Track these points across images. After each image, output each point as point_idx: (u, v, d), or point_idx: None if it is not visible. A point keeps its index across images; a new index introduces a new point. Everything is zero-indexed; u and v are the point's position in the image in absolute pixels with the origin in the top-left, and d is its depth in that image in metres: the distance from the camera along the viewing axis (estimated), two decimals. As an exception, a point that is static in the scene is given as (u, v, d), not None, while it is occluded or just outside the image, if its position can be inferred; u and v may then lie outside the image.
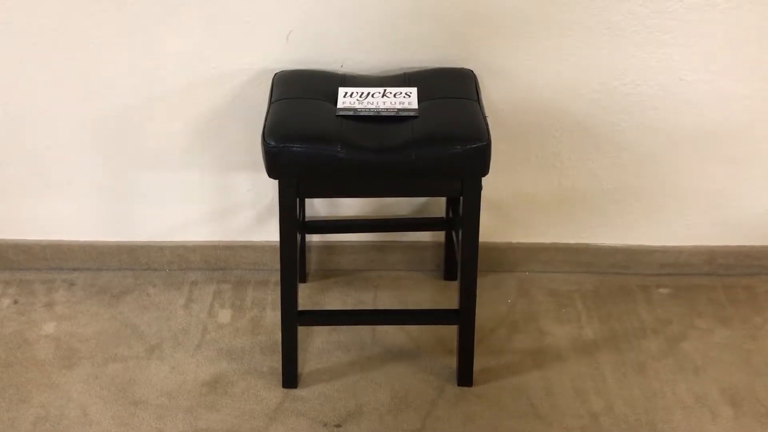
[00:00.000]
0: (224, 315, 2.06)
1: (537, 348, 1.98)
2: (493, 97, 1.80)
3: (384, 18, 1.75)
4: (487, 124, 1.56)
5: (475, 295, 1.73)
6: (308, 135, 1.52)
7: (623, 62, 1.82)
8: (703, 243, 2.11)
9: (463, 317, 1.75)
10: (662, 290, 2.15)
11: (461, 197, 1.59)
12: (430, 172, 1.53)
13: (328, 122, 1.54)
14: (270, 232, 2.09)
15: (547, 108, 1.87)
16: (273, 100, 1.62)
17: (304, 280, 2.12)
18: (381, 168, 1.51)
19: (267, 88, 1.83)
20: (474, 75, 1.73)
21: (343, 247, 2.13)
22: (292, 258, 1.62)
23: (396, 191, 1.59)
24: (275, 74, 1.74)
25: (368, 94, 1.62)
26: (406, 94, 1.62)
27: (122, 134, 1.93)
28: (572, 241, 2.12)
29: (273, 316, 2.04)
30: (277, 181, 1.55)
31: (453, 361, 1.92)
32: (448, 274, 2.13)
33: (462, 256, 1.66)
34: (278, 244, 2.09)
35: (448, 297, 2.10)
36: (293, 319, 1.73)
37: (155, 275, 2.16)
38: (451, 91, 1.64)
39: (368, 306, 2.07)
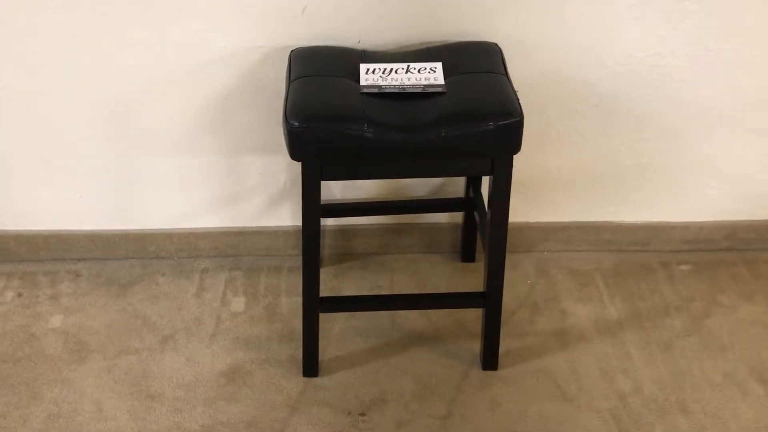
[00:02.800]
0: (238, 303, 1.97)
1: (560, 329, 1.91)
2: (514, 71, 1.72)
3: (401, -9, 1.67)
4: (518, 99, 1.48)
5: (502, 278, 1.65)
6: (333, 114, 1.43)
7: (649, 33, 1.74)
8: (724, 218, 2.05)
9: (490, 300, 1.68)
10: (683, 267, 2.09)
11: (491, 176, 1.51)
12: (460, 151, 1.44)
13: (352, 100, 1.45)
14: (282, 217, 2.01)
15: (570, 82, 1.79)
16: (292, 78, 1.53)
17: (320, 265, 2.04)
18: (409, 147, 1.42)
19: (280, 66, 1.74)
20: (499, 49, 1.64)
21: (357, 230, 2.05)
22: (315, 243, 1.54)
23: (424, 172, 1.51)
24: (291, 51, 1.64)
25: (391, 70, 1.53)
26: (431, 69, 1.53)
27: (126, 118, 1.83)
28: (592, 219, 2.05)
29: (288, 303, 1.96)
30: (293, 163, 1.46)
31: (475, 345, 1.86)
32: (466, 256, 2.06)
33: (490, 236, 1.58)
34: (290, 229, 2.03)
35: (466, 279, 2.03)
36: (315, 305, 1.65)
37: (164, 264, 2.07)
38: (477, 66, 1.55)
39: (385, 290, 2.00)
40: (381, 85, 1.49)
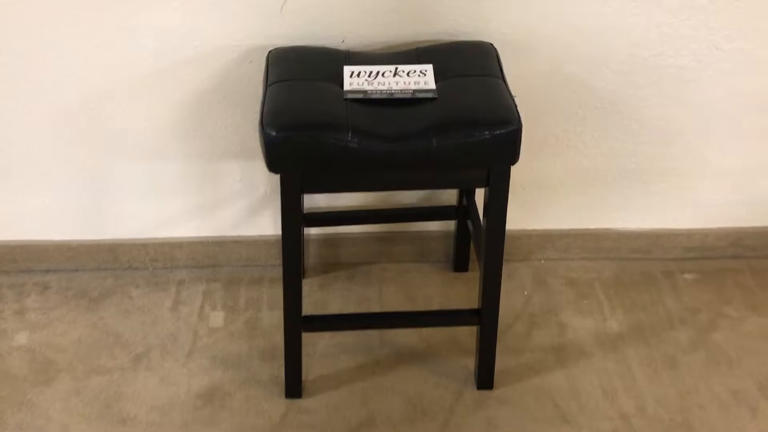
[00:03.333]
0: (216, 318, 1.85)
1: (559, 344, 1.81)
2: (510, 72, 1.59)
3: (389, -14, 1.54)
4: (516, 105, 1.36)
5: (498, 295, 1.54)
6: (314, 122, 1.30)
7: (654, 31, 1.62)
8: (730, 224, 1.94)
9: (485, 318, 1.57)
10: (687, 276, 1.98)
11: (486, 188, 1.39)
12: (453, 162, 1.33)
13: (335, 107, 1.33)
14: (263, 226, 1.89)
15: (570, 83, 1.67)
16: (270, 82, 1.40)
17: (302, 275, 1.92)
18: (398, 158, 1.31)
19: (258, 67, 1.61)
20: (495, 49, 1.52)
21: (343, 238, 1.93)
22: (296, 261, 1.42)
23: (413, 184, 1.39)
24: (270, 52, 1.51)
25: (378, 73, 1.40)
26: (420, 72, 1.41)
27: (93, 122, 1.70)
28: (592, 227, 1.94)
29: (270, 318, 1.84)
30: (275, 174, 1.34)
31: (469, 362, 1.75)
32: (459, 265, 1.94)
33: (486, 252, 1.47)
34: (272, 238, 1.91)
35: (460, 290, 1.92)
36: (297, 325, 1.53)
37: (138, 275, 1.95)
38: (471, 68, 1.43)
39: (374, 303, 1.88)
40: (366, 90, 1.36)
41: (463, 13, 1.57)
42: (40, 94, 1.66)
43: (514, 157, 1.34)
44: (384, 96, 1.35)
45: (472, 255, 1.94)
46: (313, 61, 1.45)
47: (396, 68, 1.41)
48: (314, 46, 1.53)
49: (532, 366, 1.75)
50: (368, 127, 1.31)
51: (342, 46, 1.58)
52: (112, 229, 1.87)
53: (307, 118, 1.31)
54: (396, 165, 1.32)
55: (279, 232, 1.89)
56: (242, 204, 1.85)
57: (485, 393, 1.69)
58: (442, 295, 1.91)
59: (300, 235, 1.40)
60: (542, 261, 2.00)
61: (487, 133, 1.30)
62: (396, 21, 1.57)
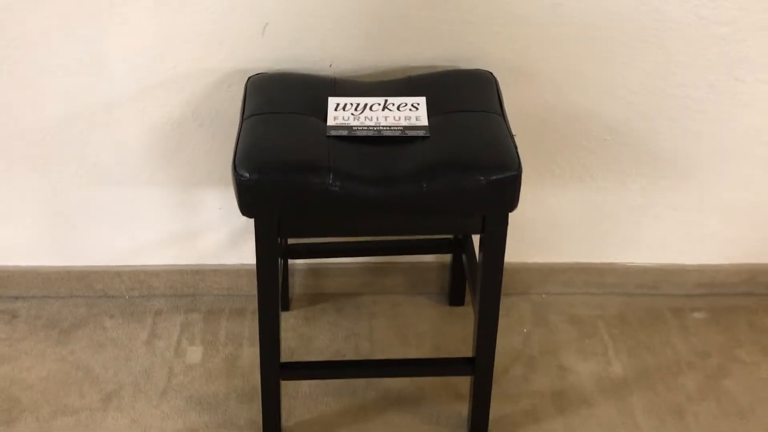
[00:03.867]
0: (194, 353, 1.73)
1: (559, 389, 1.68)
2: (511, 99, 1.46)
3: (382, 5, 1.40)
4: (516, 147, 1.23)
5: (494, 343, 1.42)
6: (291, 163, 1.17)
7: (670, 60, 1.48)
8: (743, 260, 1.81)
9: (480, 368, 1.44)
10: (696, 314, 1.85)
11: (481, 235, 1.27)
12: (444, 208, 1.20)
13: (316, 145, 1.20)
14: (245, 255, 1.76)
15: (577, 113, 1.54)
16: (246, 115, 1.27)
17: (286, 307, 1.80)
18: (384, 203, 1.18)
19: (238, 91, 1.48)
20: (494, 79, 1.38)
21: (331, 268, 1.80)
22: (273, 308, 1.30)
23: (401, 230, 1.26)
24: (249, 79, 1.38)
25: (365, 106, 1.28)
26: (412, 106, 1.28)
27: (62, 146, 1.57)
28: (596, 261, 1.81)
29: (251, 355, 1.72)
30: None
31: (462, 408, 1.62)
32: (455, 299, 1.82)
33: (481, 299, 1.34)
34: (253, 268, 1.78)
35: (455, 327, 1.79)
36: (275, 374, 1.41)
37: (112, 303, 1.82)
38: (468, 102, 1.30)
39: (363, 339, 1.76)
40: (352, 126, 1.24)
41: (460, 37, 1.43)
42: (3, 118, 1.54)
43: (512, 204, 1.21)
44: (371, 133, 1.22)
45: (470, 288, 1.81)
46: (295, 90, 1.32)
47: (385, 101, 1.28)
48: (298, 73, 1.39)
49: (529, 413, 1.63)
50: (352, 168, 1.18)
51: (329, 71, 1.45)
52: (84, 255, 1.75)
53: (284, 157, 1.18)
54: (382, 210, 1.19)
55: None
56: (223, 232, 1.72)
57: (478, 442, 1.57)
58: (436, 331, 1.79)
59: (276, 281, 1.27)
60: (543, 295, 1.88)
61: (482, 178, 1.17)
62: (388, 44, 1.43)
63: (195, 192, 1.64)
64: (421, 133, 1.23)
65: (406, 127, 1.24)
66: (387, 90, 1.34)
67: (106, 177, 1.62)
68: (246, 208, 1.19)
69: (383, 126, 1.24)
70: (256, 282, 1.79)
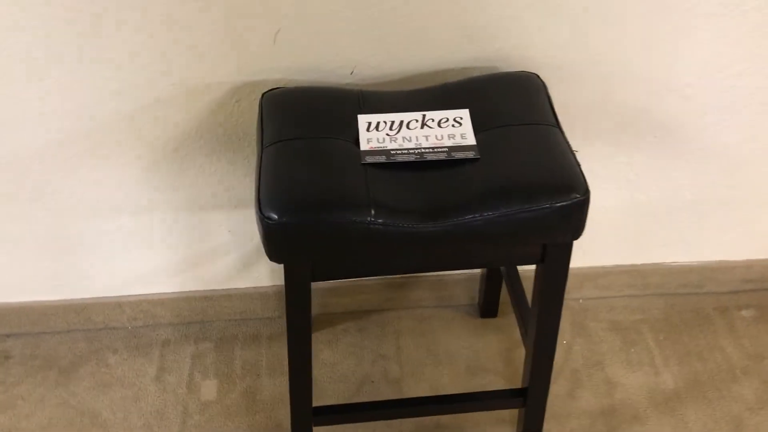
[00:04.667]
0: (209, 388, 1.57)
1: (608, 406, 1.54)
2: (552, 99, 1.30)
3: (406, 1, 1.22)
4: (579, 165, 1.07)
5: (549, 379, 1.27)
6: (326, 200, 1.00)
7: (731, 48, 1.32)
8: (794, 254, 1.68)
9: (532, 401, 1.30)
10: (745, 312, 1.72)
11: (539, 265, 1.11)
12: (501, 240, 1.04)
13: (350, 175, 1.03)
14: (258, 278, 1.59)
15: (625, 109, 1.38)
16: (266, 143, 1.09)
17: (305, 330, 1.65)
18: (432, 238, 1.02)
19: (248, 106, 1.30)
20: (542, 83, 1.21)
21: (351, 284, 1.64)
22: (305, 358, 1.13)
23: (448, 265, 1.10)
24: (263, 96, 1.20)
25: (402, 123, 1.10)
26: (455, 121, 1.11)
27: (51, 175, 1.38)
28: (638, 262, 1.66)
29: (272, 386, 1.56)
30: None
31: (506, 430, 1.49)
32: (487, 311, 1.66)
33: (538, 333, 1.19)
34: (269, 290, 1.62)
35: (488, 342, 1.64)
36: (307, 420, 1.25)
37: (115, 336, 1.65)
38: (517, 112, 1.13)
39: (391, 361, 1.60)
40: (390, 150, 1.06)
41: (498, 33, 1.25)
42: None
43: (577, 232, 1.05)
44: (412, 158, 1.05)
45: (503, 298, 1.66)
46: (319, 108, 1.14)
47: (423, 117, 1.11)
48: (318, 86, 1.21)
49: (578, 436, 1.49)
50: (394, 200, 1.01)
51: (351, 81, 1.26)
52: (82, 288, 1.57)
53: (317, 193, 1.01)
54: (429, 245, 1.03)
55: (276, 282, 1.61)
56: (233, 256, 1.55)
57: (527, 473, 1.44)
58: (469, 348, 1.63)
59: (309, 333, 1.11)
60: (580, 301, 1.73)
61: (546, 205, 1.01)
62: (415, 45, 1.25)
63: (201, 216, 1.46)
64: (470, 154, 1.06)
65: (451, 148, 1.07)
66: (421, 101, 1.16)
67: (101, 206, 1.43)
68: (275, 254, 1.02)
69: (425, 148, 1.07)
70: (269, 305, 1.64)
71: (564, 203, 1.02)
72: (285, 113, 1.13)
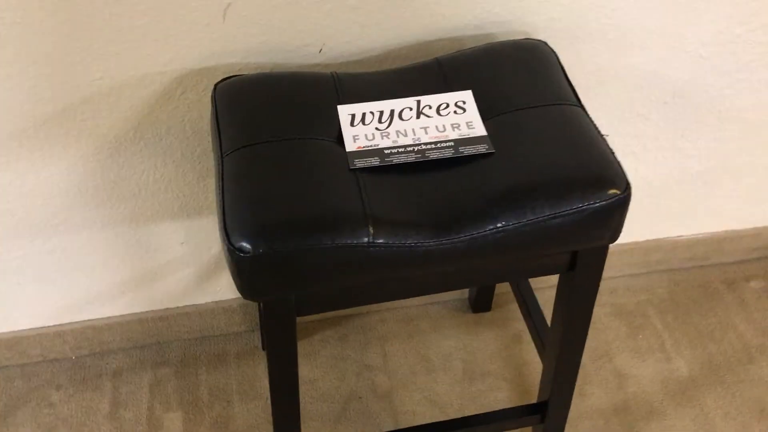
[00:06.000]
0: (172, 422, 1.35)
1: (621, 402, 1.38)
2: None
3: (378, -40, 0.99)
4: (614, 154, 0.87)
5: (572, 391, 1.09)
6: (311, 220, 0.79)
7: (750, 2, 1.13)
8: (803, 217, 1.53)
9: (553, 416, 1.12)
10: (753, 284, 1.57)
11: (568, 274, 0.92)
12: (525, 250, 0.84)
13: (339, 186, 0.82)
14: (219, 291, 1.37)
15: (634, 76, 1.18)
16: (225, 149, 0.86)
17: (278, 344, 1.43)
18: (444, 257, 0.81)
19: (195, 98, 1.06)
20: (553, 53, 1.00)
21: (326, 288, 1.43)
22: (293, 413, 0.93)
23: (461, 283, 0.90)
24: (216, 86, 0.96)
25: (392, 113, 0.89)
26: (457, 106, 0.90)
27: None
28: (642, 239, 1.49)
29: (245, 413, 1.35)
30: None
31: (515, 443, 1.31)
32: (479, 304, 1.47)
33: (563, 345, 1.00)
34: (233, 303, 1.39)
35: (485, 341, 1.46)
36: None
37: (57, 369, 1.41)
38: (530, 92, 0.92)
39: (378, 372, 1.41)
40: (383, 149, 0.85)
41: (491, -5, 1.03)
42: None
43: (616, 233, 0.86)
44: (412, 158, 0.84)
45: (499, 288, 1.48)
46: (286, 98, 0.90)
47: (419, 102, 0.89)
48: (280, 72, 0.96)
49: (594, 439, 1.33)
50: (396, 213, 0.80)
51: (320, 61, 1.03)
52: (10, 320, 1.33)
53: (299, 215, 0.79)
54: (440, 265, 0.83)
55: (239, 294, 1.39)
56: (189, 269, 1.32)
57: (543, 488, 1.27)
58: (463, 349, 1.45)
59: (296, 383, 0.90)
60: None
61: (581, 206, 0.81)
62: (395, 13, 1.02)
63: (148, 229, 1.22)
64: (481, 148, 0.85)
65: (458, 142, 0.86)
66: (411, 82, 0.94)
67: (26, 226, 1.18)
68: (250, 292, 0.80)
69: (426, 144, 0.85)
70: (234, 319, 1.42)
71: (602, 203, 0.82)
72: (245, 109, 0.89)
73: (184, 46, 0.99)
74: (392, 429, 1.30)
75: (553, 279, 1.53)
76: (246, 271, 0.78)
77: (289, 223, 0.78)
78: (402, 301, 1.49)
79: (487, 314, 1.50)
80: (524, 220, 0.81)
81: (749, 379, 1.41)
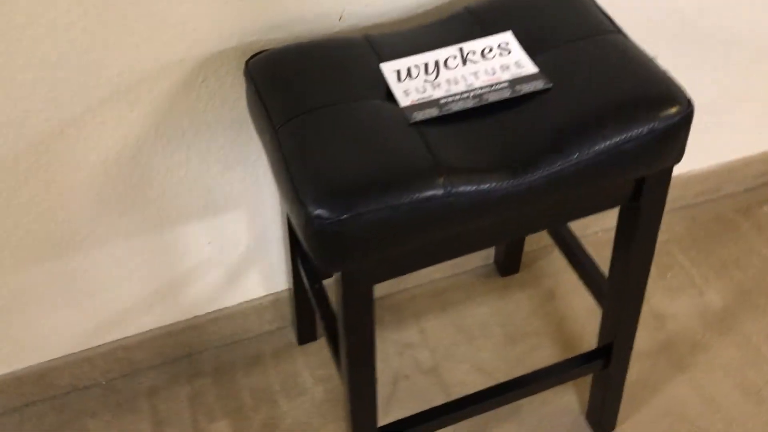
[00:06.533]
0: (221, 431, 1.30)
1: (664, 341, 1.38)
2: None
3: None
4: (668, 72, 0.86)
5: (635, 330, 1.08)
6: (388, 179, 0.74)
7: None
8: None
9: (617, 360, 1.11)
10: (766, 208, 1.59)
11: (632, 204, 0.90)
12: (596, 179, 0.82)
13: (402, 141, 0.78)
14: (249, 289, 1.32)
15: (639, 11, 1.18)
16: (277, 122, 0.82)
17: (314, 336, 1.39)
18: (520, 199, 0.79)
19: (216, 85, 1.01)
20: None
21: (353, 273, 1.39)
22: (370, 395, 0.89)
23: (532, 227, 0.87)
24: (248, 63, 0.91)
25: (437, 64, 0.86)
26: (500, 48, 0.87)
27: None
28: (656, 179, 1.49)
29: (294, 410, 1.31)
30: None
31: (570, 400, 1.30)
32: (507, 267, 1.45)
33: (629, 281, 0.99)
34: (264, 301, 1.34)
35: (519, 303, 1.43)
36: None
37: (89, 396, 1.34)
38: (569, 25, 0.89)
39: (419, 349, 1.37)
40: (438, 99, 0.82)
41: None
42: None
43: (682, 153, 0.85)
44: (471, 103, 0.81)
45: (527, 247, 1.47)
46: (326, 66, 0.87)
47: (461, 49, 0.87)
48: (311, 41, 0.93)
49: (645, 382, 1.32)
50: (467, 161, 0.77)
51: (342, 29, 1.00)
52: (34, 352, 1.25)
53: (372, 174, 0.75)
54: (516, 206, 0.80)
55: (271, 290, 1.34)
56: (217, 272, 1.27)
57: (606, 436, 1.25)
58: (499, 314, 1.42)
59: (374, 365, 0.86)
60: (598, 233, 1.55)
61: (650, 125, 0.80)
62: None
63: (173, 232, 1.17)
64: (538, 85, 0.83)
65: (512, 82, 0.83)
66: (446, 33, 0.91)
67: (41, 244, 1.11)
68: (329, 261, 0.76)
69: (480, 88, 0.83)
70: (266, 318, 1.38)
71: (670, 121, 0.80)
72: (287, 80, 0.85)
73: (203, 30, 0.95)
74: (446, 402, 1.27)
75: (593, 227, 1.51)
76: (327, 239, 0.74)
77: (364, 184, 0.74)
78: (428, 275, 1.46)
79: (516, 276, 1.48)
80: (597, 149, 0.79)
81: (782, 300, 1.42)
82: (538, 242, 1.49)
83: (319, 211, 0.73)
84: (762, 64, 1.35)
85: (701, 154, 1.48)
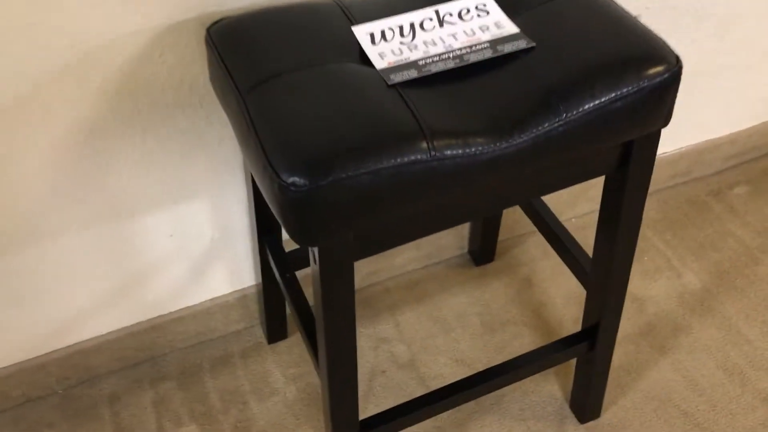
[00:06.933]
0: (189, 436, 1.22)
1: (645, 325, 1.34)
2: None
3: None
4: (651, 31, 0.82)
5: (621, 310, 1.04)
6: (367, 141, 0.69)
7: None
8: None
9: (603, 342, 1.06)
10: (737, 190, 1.57)
11: (619, 172, 0.85)
12: (586, 142, 0.78)
13: (382, 103, 0.73)
14: (215, 286, 1.24)
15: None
16: (243, 88, 0.75)
17: (285, 334, 1.32)
18: (509, 160, 0.74)
19: (176, 61, 0.95)
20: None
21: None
22: (350, 381, 0.83)
23: (518, 196, 0.82)
24: (209, 30, 0.85)
25: (412, 26, 0.80)
26: (478, 9, 0.82)
27: None
28: (629, 162, 1.46)
29: (265, 411, 1.23)
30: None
31: (553, 389, 1.25)
32: (481, 257, 1.41)
33: (615, 257, 0.95)
34: (230, 298, 1.27)
35: (496, 292, 1.39)
36: (354, 442, 0.95)
37: (45, 407, 1.24)
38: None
39: (395, 343, 1.31)
40: (416, 61, 0.76)
41: None
42: None
43: (670, 114, 0.81)
44: (451, 64, 0.76)
45: (501, 236, 1.42)
46: (295, 30, 0.81)
47: (437, 12, 0.82)
48: (276, 6, 0.87)
49: (628, 367, 1.28)
50: (451, 123, 0.72)
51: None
52: (-17, 358, 1.16)
53: (350, 137, 0.69)
54: (504, 170, 0.75)
55: (237, 287, 1.27)
56: (180, 266, 1.19)
57: (593, 425, 1.21)
58: (476, 303, 1.37)
59: (354, 345, 0.80)
60: (573, 220, 1.51)
61: (639, 84, 0.75)
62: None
63: (132, 223, 1.09)
64: (521, 44, 0.78)
65: (493, 42, 0.78)
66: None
67: (-11, 241, 1.03)
68: (306, 235, 0.70)
69: (459, 48, 0.78)
70: (232, 317, 1.30)
71: (659, 79, 0.76)
72: (253, 45, 0.79)
73: (153, 1, 0.88)
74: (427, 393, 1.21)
75: (567, 213, 1.47)
76: (302, 209, 0.68)
77: (342, 148, 0.68)
78: (402, 267, 1.40)
79: (491, 265, 1.43)
80: (586, 108, 0.74)
81: (759, 279, 1.40)
82: (512, 231, 1.45)
83: (293, 179, 0.67)
84: (728, 40, 1.33)
85: (671, 137, 1.45)
